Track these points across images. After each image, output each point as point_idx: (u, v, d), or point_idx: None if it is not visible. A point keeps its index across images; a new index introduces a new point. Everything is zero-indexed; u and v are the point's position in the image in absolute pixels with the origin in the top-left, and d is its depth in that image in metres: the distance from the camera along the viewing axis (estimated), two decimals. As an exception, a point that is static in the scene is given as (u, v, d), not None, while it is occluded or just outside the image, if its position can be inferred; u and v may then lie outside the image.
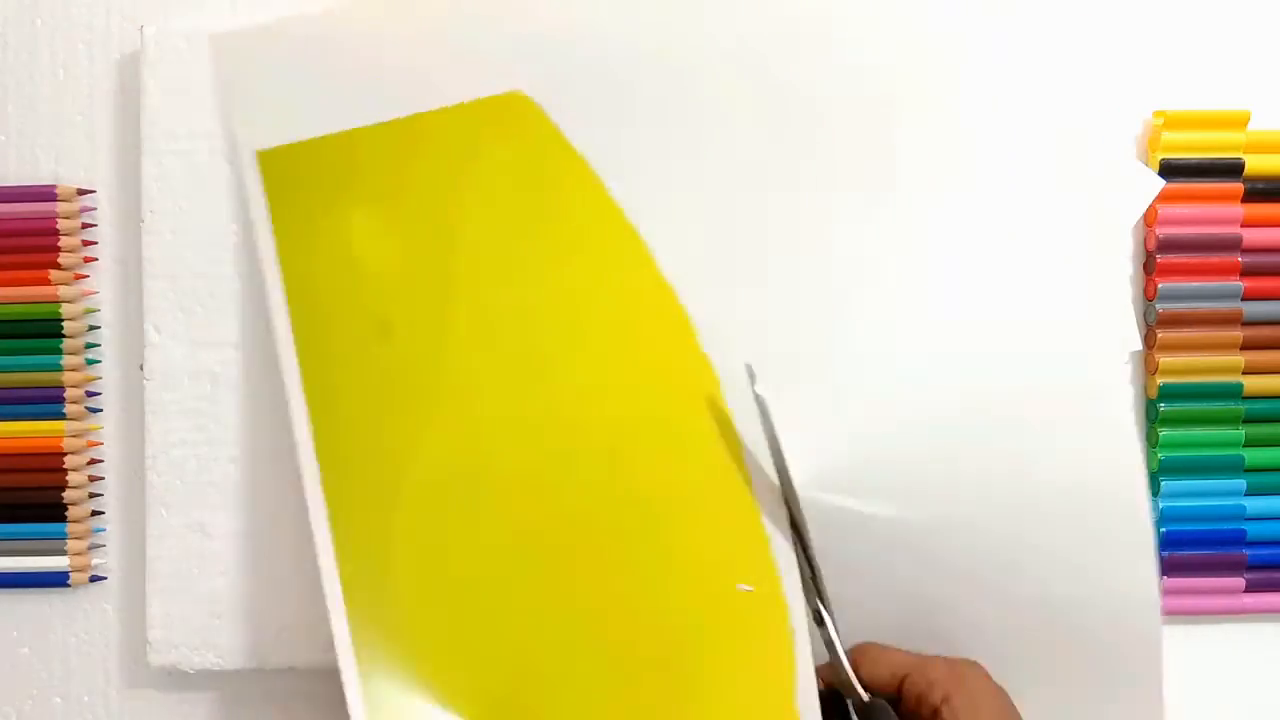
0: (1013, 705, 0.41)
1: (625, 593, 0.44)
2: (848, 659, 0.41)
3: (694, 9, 0.47)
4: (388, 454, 0.45)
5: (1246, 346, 0.50)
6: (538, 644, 0.43)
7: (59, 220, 0.49)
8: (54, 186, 0.50)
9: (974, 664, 0.41)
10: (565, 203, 0.46)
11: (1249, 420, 0.50)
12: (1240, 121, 0.50)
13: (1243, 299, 0.50)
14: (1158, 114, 0.50)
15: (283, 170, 0.47)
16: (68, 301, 0.50)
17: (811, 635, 0.42)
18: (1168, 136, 0.49)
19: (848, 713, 0.41)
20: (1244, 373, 0.49)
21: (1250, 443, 0.50)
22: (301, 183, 0.47)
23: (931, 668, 0.41)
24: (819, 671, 0.42)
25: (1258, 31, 0.51)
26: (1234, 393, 0.49)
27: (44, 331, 0.49)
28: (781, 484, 0.43)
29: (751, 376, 0.42)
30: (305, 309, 0.46)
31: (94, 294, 0.50)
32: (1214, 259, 0.50)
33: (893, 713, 0.40)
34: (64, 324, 0.49)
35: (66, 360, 0.50)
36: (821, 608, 0.42)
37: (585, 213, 0.46)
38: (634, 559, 0.44)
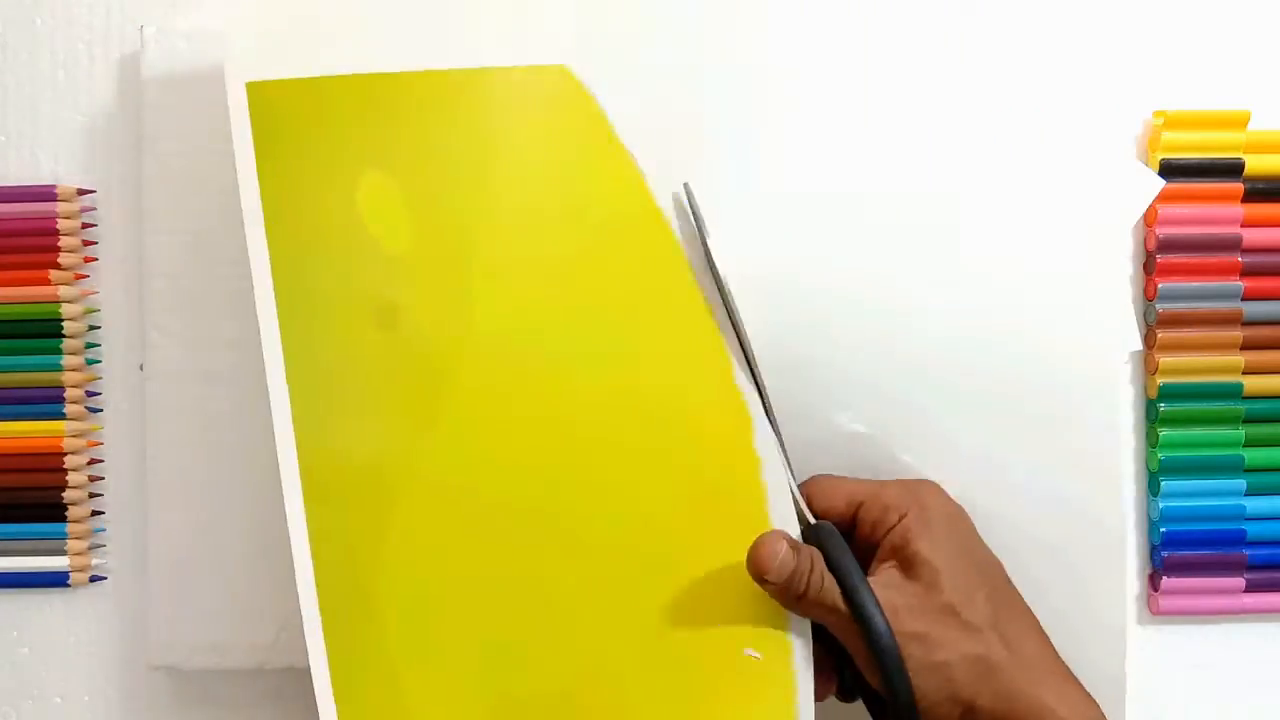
0: (968, 521, 0.40)
1: (632, 620, 0.40)
2: (799, 490, 0.41)
3: (758, 21, 0.45)
4: (379, 462, 0.40)
5: (1246, 346, 0.50)
6: (534, 674, 0.40)
7: (59, 220, 0.49)
8: (54, 186, 0.50)
9: (929, 483, 0.41)
10: (602, 197, 0.42)
11: (1249, 420, 0.50)
12: (1240, 121, 0.50)
13: (1243, 299, 0.49)
14: (1158, 114, 0.50)
15: (276, 110, 0.40)
16: (68, 301, 0.50)
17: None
18: (1168, 136, 0.49)
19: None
20: (1244, 373, 0.49)
21: (1250, 443, 0.50)
22: (297, 128, 0.41)
23: (886, 492, 0.40)
24: None
25: (1258, 31, 0.51)
26: (1234, 393, 0.49)
27: (44, 331, 0.49)
28: (732, 320, 0.41)
29: (689, 195, 0.41)
30: (292, 285, 0.40)
31: (94, 294, 0.50)
32: (1214, 259, 0.49)
33: (837, 533, 0.39)
34: (64, 324, 0.49)
35: (66, 360, 0.49)
36: (774, 435, 0.41)
37: (623, 210, 0.42)
38: (638, 583, 0.41)
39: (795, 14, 0.46)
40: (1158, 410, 0.49)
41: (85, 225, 0.50)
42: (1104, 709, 0.38)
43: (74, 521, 0.50)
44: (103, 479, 0.50)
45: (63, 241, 0.49)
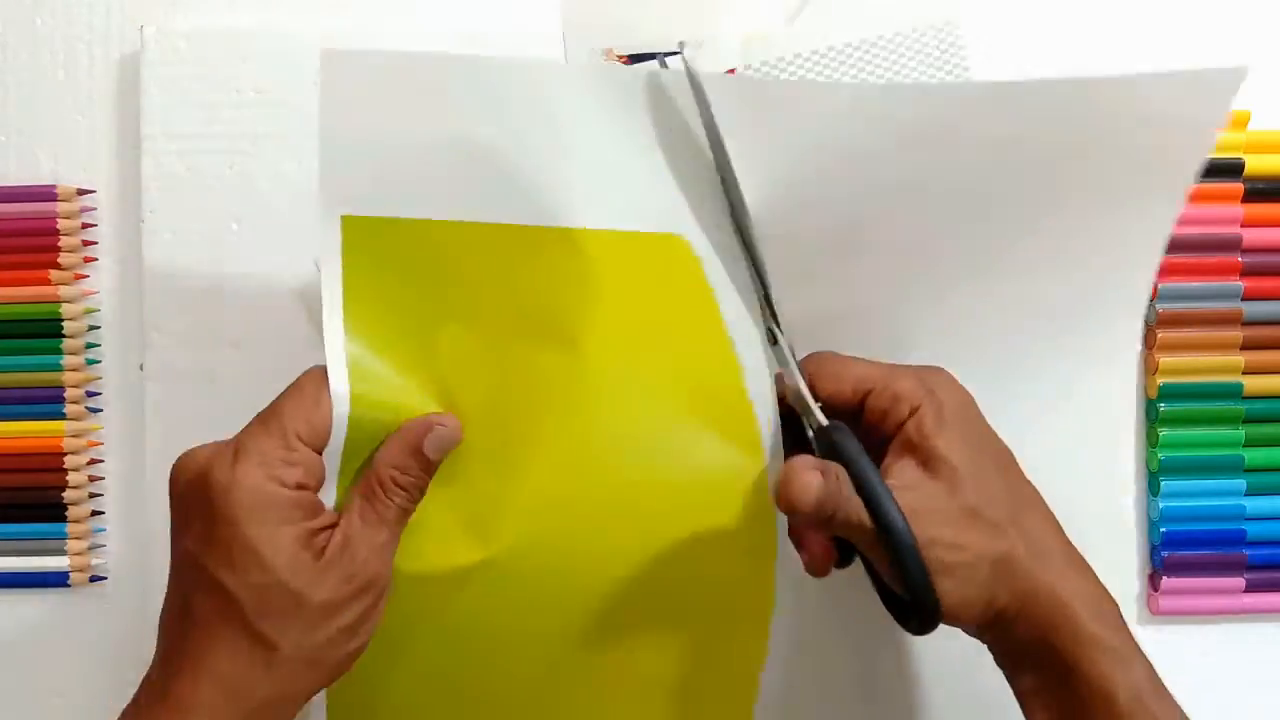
0: (978, 411, 0.39)
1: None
2: (804, 375, 0.39)
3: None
4: (411, 604, 0.39)
5: (1246, 346, 0.50)
6: None
7: (59, 220, 0.49)
8: (54, 186, 0.50)
9: (940, 371, 0.39)
10: (692, 374, 0.39)
11: (1249, 420, 0.50)
12: (1240, 121, 0.50)
13: (1243, 299, 0.49)
14: (1158, 114, 0.50)
15: (371, 248, 0.37)
16: (68, 301, 0.50)
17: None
18: (1168, 136, 0.49)
19: (806, 434, 0.39)
20: (1244, 373, 0.49)
21: (1250, 443, 0.50)
22: (389, 270, 0.38)
23: (897, 380, 0.38)
24: (777, 381, 0.40)
25: (1257, 32, 0.51)
26: (1234, 393, 0.49)
27: (44, 331, 0.49)
28: (731, 201, 0.39)
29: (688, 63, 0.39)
30: (362, 429, 0.37)
31: (94, 294, 0.50)
32: (1214, 259, 0.50)
33: (851, 434, 0.37)
34: (64, 324, 0.49)
35: (66, 360, 0.49)
36: (774, 326, 0.39)
37: (715, 404, 0.40)
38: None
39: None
40: (1158, 410, 0.49)
41: (85, 225, 0.50)
42: None
43: (74, 521, 0.49)
44: (103, 479, 0.50)
45: (63, 241, 0.49)
